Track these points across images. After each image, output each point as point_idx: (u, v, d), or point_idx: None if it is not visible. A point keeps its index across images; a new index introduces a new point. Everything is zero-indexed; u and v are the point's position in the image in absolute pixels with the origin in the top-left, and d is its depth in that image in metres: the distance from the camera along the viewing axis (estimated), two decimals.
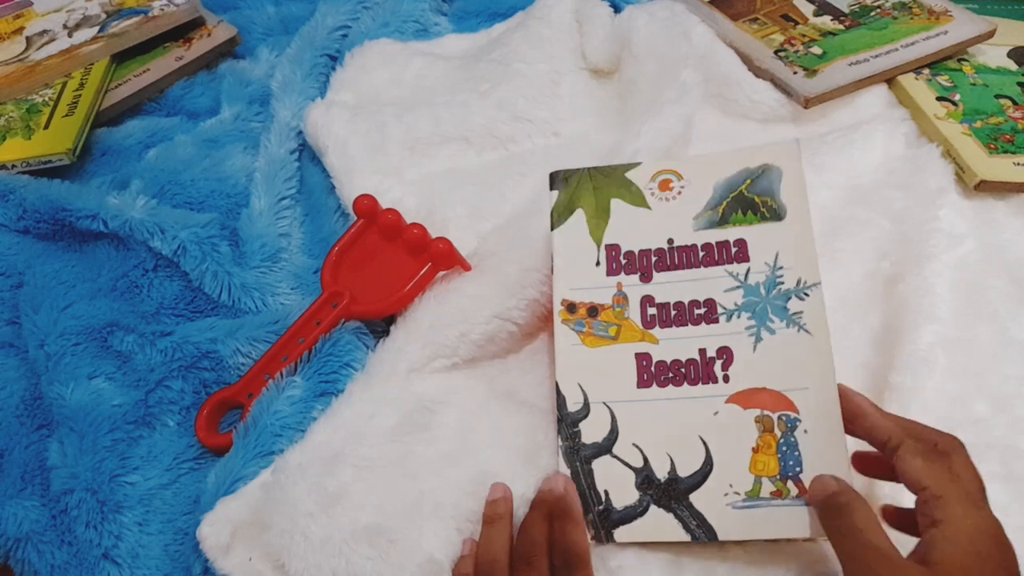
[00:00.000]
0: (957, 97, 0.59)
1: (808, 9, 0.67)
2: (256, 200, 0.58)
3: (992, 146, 0.55)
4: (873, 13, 0.65)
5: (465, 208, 0.57)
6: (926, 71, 0.62)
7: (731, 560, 0.39)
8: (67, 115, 0.64)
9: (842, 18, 0.65)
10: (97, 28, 0.71)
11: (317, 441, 0.44)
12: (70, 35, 0.70)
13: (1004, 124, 0.57)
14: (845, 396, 0.38)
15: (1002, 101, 0.59)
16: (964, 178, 0.54)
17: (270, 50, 0.72)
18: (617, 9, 0.68)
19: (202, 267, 0.54)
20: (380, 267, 0.50)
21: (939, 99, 0.59)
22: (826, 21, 0.66)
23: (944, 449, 0.35)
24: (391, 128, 0.61)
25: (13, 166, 0.61)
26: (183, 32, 0.73)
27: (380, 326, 0.51)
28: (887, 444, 0.36)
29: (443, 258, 0.49)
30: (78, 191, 0.58)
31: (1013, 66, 0.63)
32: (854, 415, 0.38)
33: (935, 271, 0.48)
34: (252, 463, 0.44)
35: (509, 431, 0.46)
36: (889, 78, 0.61)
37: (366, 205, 0.51)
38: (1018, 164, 0.54)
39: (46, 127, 0.63)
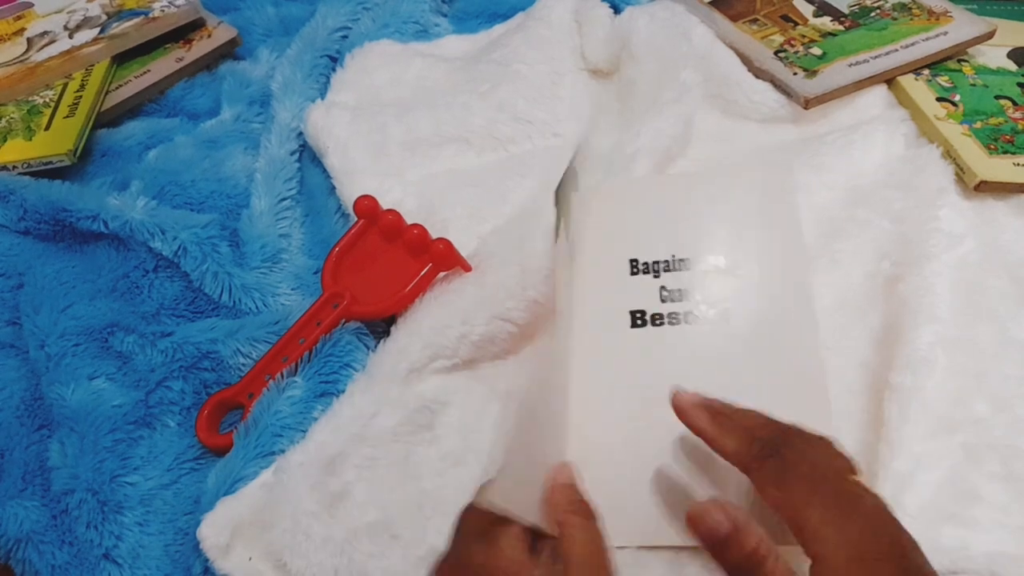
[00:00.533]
0: (957, 98, 0.59)
1: (808, 10, 0.67)
2: (256, 201, 0.58)
3: (992, 146, 0.55)
4: (873, 14, 0.65)
5: (465, 209, 0.56)
6: (926, 72, 0.62)
7: None
8: (68, 116, 0.64)
9: (842, 19, 0.66)
10: (98, 29, 0.71)
11: (319, 441, 0.44)
12: (71, 36, 0.70)
13: (1004, 125, 0.57)
14: (684, 413, 0.37)
15: (1002, 102, 0.59)
16: (964, 178, 0.54)
17: (270, 51, 0.72)
18: (617, 10, 0.68)
19: (202, 268, 0.54)
20: (380, 268, 0.50)
21: (939, 100, 0.59)
22: (826, 22, 0.66)
23: (785, 450, 0.33)
24: (391, 129, 0.61)
25: (14, 167, 0.61)
26: (183, 33, 0.73)
27: (380, 327, 0.51)
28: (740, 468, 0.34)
29: (443, 259, 0.49)
30: (79, 192, 0.58)
31: (1013, 67, 0.63)
32: (699, 435, 0.37)
33: (935, 271, 0.48)
34: (252, 463, 0.44)
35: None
36: (889, 79, 0.61)
37: (366, 206, 0.51)
38: (1018, 164, 0.54)
39: (47, 128, 0.63)
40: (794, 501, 0.31)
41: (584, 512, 0.36)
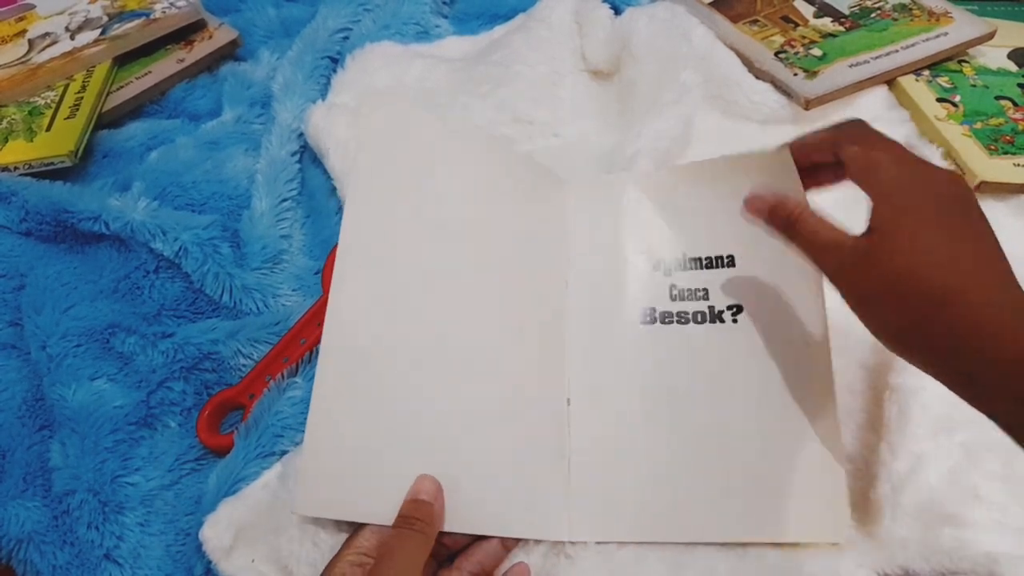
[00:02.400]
0: (957, 98, 0.59)
1: (808, 11, 0.67)
2: (257, 202, 0.58)
3: (992, 147, 0.55)
4: (873, 15, 0.65)
5: None
6: (926, 72, 0.62)
7: (731, 560, 0.40)
8: (69, 117, 0.64)
9: (842, 20, 0.66)
10: (99, 31, 0.71)
11: None
12: (72, 38, 0.71)
13: (1004, 125, 0.57)
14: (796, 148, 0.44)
15: (1002, 102, 0.59)
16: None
17: (271, 52, 0.72)
18: (617, 11, 0.68)
19: (203, 268, 0.54)
20: None
21: (939, 100, 0.59)
22: (826, 23, 0.66)
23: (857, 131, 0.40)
24: None
25: (15, 168, 0.61)
26: (185, 34, 0.73)
27: None
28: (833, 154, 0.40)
29: None
30: (80, 193, 0.58)
31: (1013, 67, 0.63)
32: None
33: None
34: (253, 463, 0.44)
35: None
36: (889, 79, 0.61)
37: None
38: (1018, 165, 0.54)
39: (48, 129, 0.63)
40: (859, 149, 0.38)
41: (414, 526, 0.38)
